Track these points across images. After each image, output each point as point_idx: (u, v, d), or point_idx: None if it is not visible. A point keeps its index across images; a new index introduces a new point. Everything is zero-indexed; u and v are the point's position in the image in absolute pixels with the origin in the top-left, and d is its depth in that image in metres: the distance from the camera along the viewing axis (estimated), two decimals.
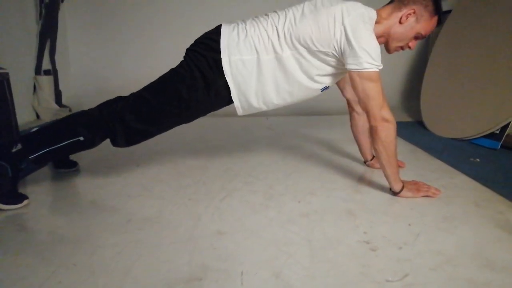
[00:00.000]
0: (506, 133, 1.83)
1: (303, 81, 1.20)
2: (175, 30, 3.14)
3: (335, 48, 1.12)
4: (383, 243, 0.94)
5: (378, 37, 1.18)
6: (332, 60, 1.16)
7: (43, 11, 2.68)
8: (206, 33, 1.23)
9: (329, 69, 1.19)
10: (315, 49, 1.13)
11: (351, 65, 1.11)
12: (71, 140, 1.19)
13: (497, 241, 0.96)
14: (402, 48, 1.24)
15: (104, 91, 2.94)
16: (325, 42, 1.12)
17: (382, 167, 1.20)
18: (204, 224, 1.05)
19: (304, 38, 1.12)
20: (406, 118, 2.69)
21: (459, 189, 1.32)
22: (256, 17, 1.21)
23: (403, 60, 3.15)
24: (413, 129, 2.36)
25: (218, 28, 1.19)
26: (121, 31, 3.19)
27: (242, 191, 1.29)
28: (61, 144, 1.18)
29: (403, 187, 1.21)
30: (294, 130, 2.30)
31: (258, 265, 0.84)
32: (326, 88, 1.26)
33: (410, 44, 1.23)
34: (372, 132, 1.16)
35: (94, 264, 0.85)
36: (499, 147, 1.84)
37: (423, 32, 1.19)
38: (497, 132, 1.87)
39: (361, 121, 1.45)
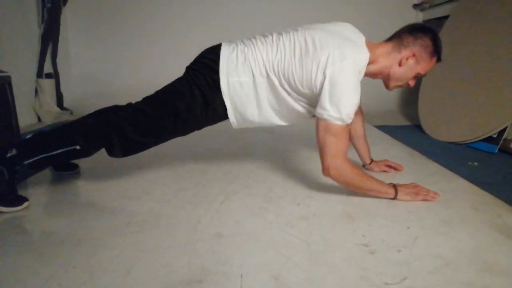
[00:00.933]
0: (503, 137, 1.84)
1: (290, 104, 1.23)
2: (175, 33, 3.17)
3: (313, 91, 1.15)
4: (381, 246, 0.94)
5: (373, 74, 1.22)
6: (311, 98, 1.19)
7: (45, 15, 2.70)
8: (206, 52, 1.25)
9: (307, 102, 1.22)
10: (295, 87, 1.17)
11: (317, 112, 1.14)
12: (67, 149, 1.19)
13: (495, 245, 0.97)
14: (401, 86, 1.27)
15: (106, 93, 2.96)
16: (306, 85, 1.15)
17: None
18: (204, 227, 1.05)
19: (288, 77, 1.16)
20: (404, 122, 2.69)
21: (457, 192, 1.32)
22: (254, 37, 1.23)
23: None
24: (411, 133, 2.37)
25: (218, 48, 1.22)
26: (122, 34, 3.21)
27: (241, 194, 1.30)
28: (56, 152, 1.19)
29: (396, 192, 1.21)
30: (293, 133, 2.30)
31: (257, 268, 0.85)
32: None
33: (409, 82, 1.25)
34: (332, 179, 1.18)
35: (93, 266, 0.85)
36: (496, 151, 1.85)
37: (422, 73, 1.22)
38: (495, 136, 1.88)
39: (355, 126, 1.46)
